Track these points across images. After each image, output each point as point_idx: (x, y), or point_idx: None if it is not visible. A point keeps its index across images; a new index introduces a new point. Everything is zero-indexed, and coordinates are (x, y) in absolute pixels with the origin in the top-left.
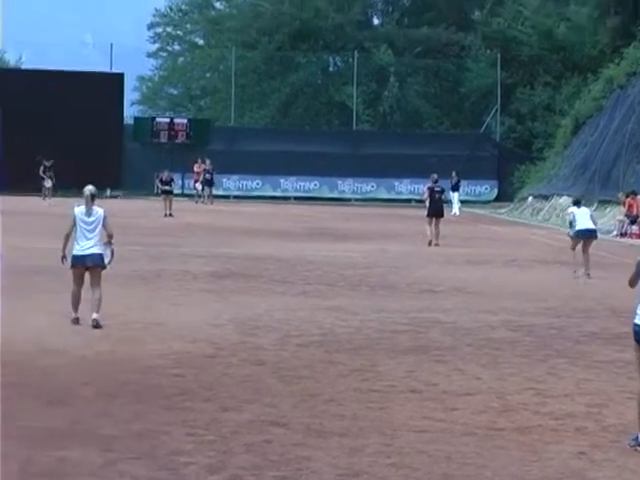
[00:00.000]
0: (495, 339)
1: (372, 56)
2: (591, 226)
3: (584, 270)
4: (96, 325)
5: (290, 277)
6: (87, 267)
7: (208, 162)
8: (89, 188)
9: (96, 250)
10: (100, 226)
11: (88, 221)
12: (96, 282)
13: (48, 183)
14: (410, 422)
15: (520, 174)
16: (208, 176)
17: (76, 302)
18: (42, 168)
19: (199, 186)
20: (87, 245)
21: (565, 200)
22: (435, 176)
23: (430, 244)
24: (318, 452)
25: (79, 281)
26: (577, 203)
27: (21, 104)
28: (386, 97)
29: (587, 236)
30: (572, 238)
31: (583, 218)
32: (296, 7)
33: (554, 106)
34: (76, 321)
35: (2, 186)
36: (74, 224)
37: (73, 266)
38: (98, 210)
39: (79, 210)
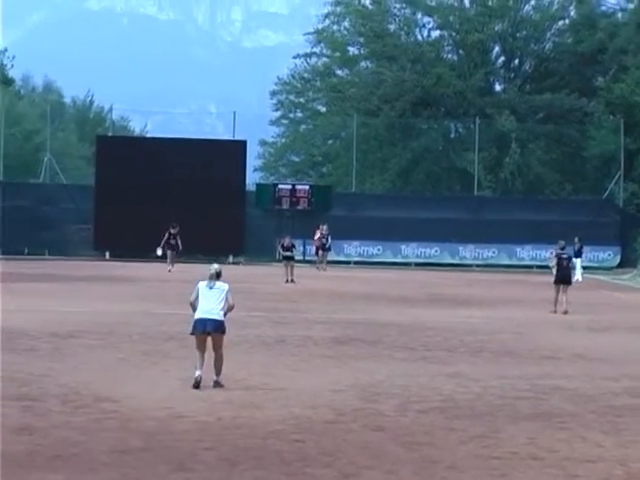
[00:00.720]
0: (617, 406)
1: (494, 122)
2: None
3: None
4: (217, 385)
5: (410, 343)
6: (208, 332)
7: (325, 227)
8: (215, 267)
9: (217, 317)
10: (223, 298)
11: (210, 293)
12: (218, 347)
13: (172, 250)
14: None
15: None
16: (324, 240)
17: (200, 364)
18: (167, 235)
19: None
20: (208, 311)
21: None
22: (562, 242)
23: (555, 312)
24: None
25: (201, 347)
26: None
27: (144, 171)
28: (507, 163)
29: None
30: None
31: None
32: (418, 74)
33: None
34: (198, 381)
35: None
36: (197, 296)
37: (193, 333)
38: (223, 285)
39: (203, 284)
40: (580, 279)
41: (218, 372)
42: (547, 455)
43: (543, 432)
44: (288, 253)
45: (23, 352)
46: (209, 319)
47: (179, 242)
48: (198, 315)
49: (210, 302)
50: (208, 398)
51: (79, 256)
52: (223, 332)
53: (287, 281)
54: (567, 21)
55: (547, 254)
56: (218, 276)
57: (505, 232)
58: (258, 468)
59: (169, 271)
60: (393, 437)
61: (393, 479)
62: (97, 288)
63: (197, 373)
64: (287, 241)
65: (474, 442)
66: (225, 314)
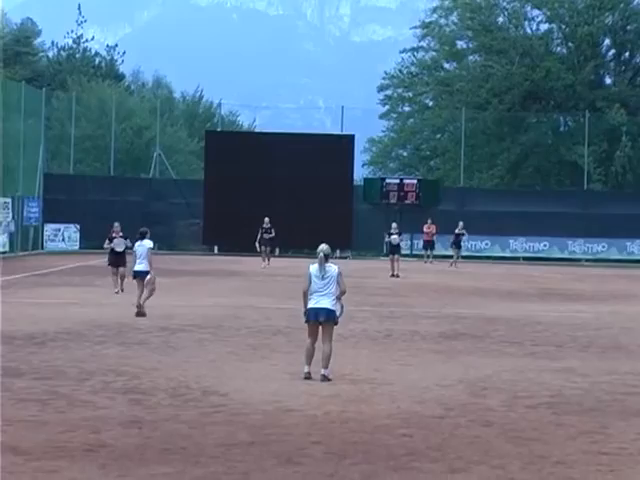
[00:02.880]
0: None
1: (604, 116)
2: None
3: None
4: (324, 379)
5: (518, 338)
6: (320, 322)
7: (461, 224)
8: (323, 249)
9: (329, 306)
10: (334, 283)
11: (322, 279)
12: (327, 337)
13: (266, 246)
14: None
15: None
16: (461, 237)
17: (309, 356)
18: (260, 230)
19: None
20: (320, 301)
21: None
22: None
23: None
24: None
25: (313, 335)
26: None
27: (253, 166)
28: (618, 157)
29: None
30: None
31: None
32: (527, 68)
33: None
34: (308, 375)
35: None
36: (309, 281)
37: (307, 321)
38: (332, 268)
39: (313, 268)
40: None
41: (326, 365)
42: None
43: None
44: (394, 237)
45: (133, 345)
46: (322, 308)
47: (273, 234)
48: (311, 305)
49: (322, 292)
50: (316, 392)
51: (188, 251)
52: (335, 322)
53: (392, 275)
54: None
55: None
56: (326, 258)
57: (615, 226)
58: (366, 462)
59: (264, 267)
60: (501, 432)
61: (501, 474)
62: (206, 282)
63: (306, 369)
64: (393, 227)
65: (582, 438)
66: (338, 298)
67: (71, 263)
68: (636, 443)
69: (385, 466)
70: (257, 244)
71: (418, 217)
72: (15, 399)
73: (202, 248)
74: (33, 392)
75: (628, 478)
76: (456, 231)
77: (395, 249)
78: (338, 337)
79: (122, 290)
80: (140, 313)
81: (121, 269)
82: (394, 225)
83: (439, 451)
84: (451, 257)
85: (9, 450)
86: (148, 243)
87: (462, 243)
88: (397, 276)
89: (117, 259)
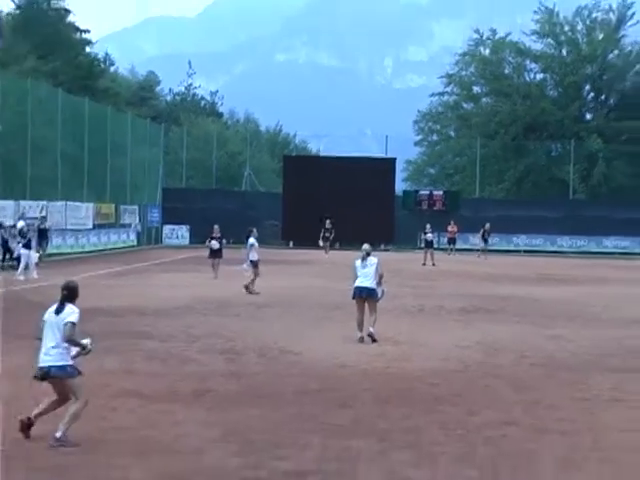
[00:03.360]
0: None
1: (585, 143)
2: None
3: None
4: (371, 336)
5: (522, 311)
6: (364, 298)
7: (487, 225)
8: (365, 247)
9: (369, 284)
10: (374, 272)
11: (363, 268)
12: (372, 309)
13: (326, 241)
14: (616, 424)
15: None
16: (486, 236)
17: (360, 324)
18: (323, 230)
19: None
20: (363, 281)
21: None
22: None
23: None
24: (542, 445)
25: (361, 309)
26: None
27: (319, 182)
28: (596, 174)
29: None
30: None
31: None
32: (527, 107)
33: None
34: (361, 339)
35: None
36: (355, 271)
37: (354, 297)
38: (373, 259)
39: (357, 262)
40: None
41: (372, 325)
42: (629, 398)
43: (627, 381)
44: (429, 235)
45: (229, 316)
46: (364, 287)
47: (333, 233)
48: (356, 284)
49: (364, 274)
50: (365, 352)
51: (270, 245)
52: (376, 298)
53: (424, 264)
54: None
55: None
56: (368, 254)
57: (594, 226)
58: (404, 406)
59: (327, 256)
60: (507, 383)
61: (507, 416)
62: (285, 269)
63: (359, 335)
64: (427, 227)
65: (569, 387)
66: (378, 283)
67: (183, 254)
68: (610, 392)
69: (419, 409)
70: (320, 240)
71: (443, 220)
72: (143, 357)
73: (280, 243)
74: (156, 352)
75: (604, 418)
76: (484, 229)
77: (429, 244)
78: (382, 310)
79: (216, 277)
80: (250, 292)
81: (217, 260)
82: (428, 226)
83: (459, 397)
84: (471, 250)
85: (135, 395)
86: (251, 240)
87: (488, 239)
88: (433, 264)
89: (215, 253)
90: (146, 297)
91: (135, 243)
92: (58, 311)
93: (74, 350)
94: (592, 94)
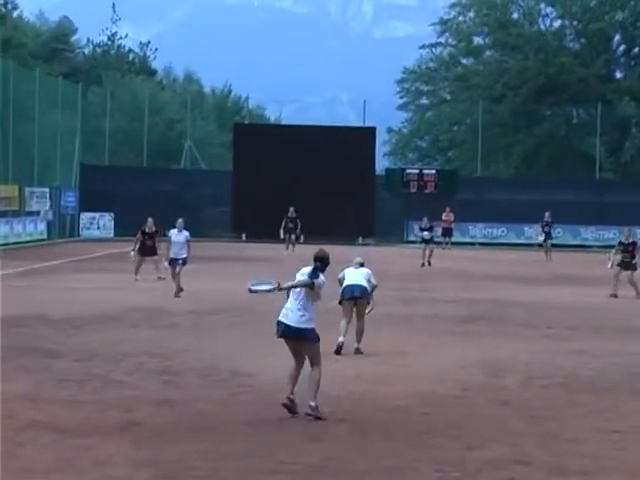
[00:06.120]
0: None
1: (615, 108)
2: None
3: None
4: (357, 352)
5: (533, 321)
6: (355, 299)
7: (548, 214)
8: (358, 260)
9: (363, 284)
10: (367, 278)
11: (356, 270)
12: (361, 316)
13: (290, 234)
14: None
15: None
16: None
17: (344, 330)
18: (285, 221)
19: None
20: (355, 280)
21: None
22: None
23: None
24: None
25: (348, 314)
26: None
27: (279, 157)
28: (628, 147)
29: None
30: None
31: None
32: (541, 62)
33: None
34: (339, 350)
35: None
36: (344, 276)
37: (342, 300)
38: (367, 270)
39: (349, 269)
40: None
41: (359, 340)
42: None
43: None
44: (426, 233)
45: (165, 328)
46: (357, 285)
47: (299, 225)
48: (347, 283)
49: (357, 276)
50: (339, 372)
51: (217, 238)
52: (368, 301)
53: (423, 264)
54: None
55: None
56: (361, 265)
57: (626, 214)
58: (387, 440)
59: (287, 254)
60: (517, 411)
61: (517, 451)
62: (235, 268)
63: (340, 339)
64: (425, 222)
65: (595, 416)
66: (371, 292)
67: (106, 250)
68: None
69: (405, 443)
70: (282, 231)
71: (437, 206)
72: (55, 379)
73: (231, 235)
74: (71, 373)
75: (637, 455)
76: (544, 220)
77: (428, 241)
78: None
79: (161, 277)
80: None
81: (155, 257)
82: (425, 220)
83: (457, 429)
84: (470, 244)
85: (49, 428)
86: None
87: (552, 232)
88: (429, 263)
89: (147, 250)
90: (58, 304)
91: (45, 236)
92: None
93: None
94: (623, 46)
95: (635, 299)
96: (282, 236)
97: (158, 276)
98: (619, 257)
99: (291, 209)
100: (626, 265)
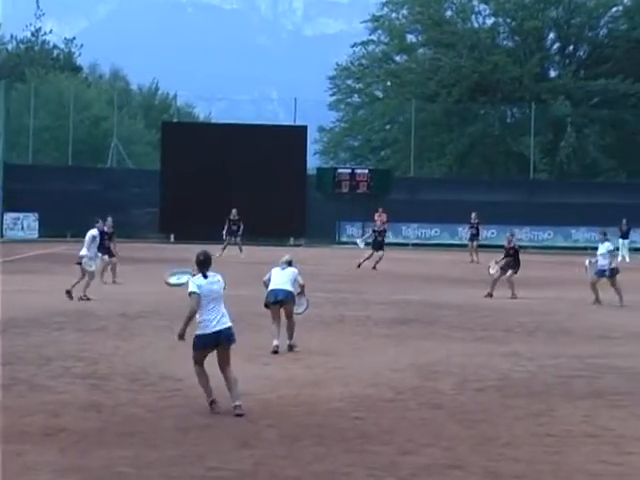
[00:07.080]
0: None
1: (549, 107)
2: None
3: None
4: (290, 349)
5: (467, 323)
6: (280, 303)
7: (474, 215)
8: (286, 258)
9: (286, 287)
10: (292, 278)
11: (283, 271)
12: (289, 316)
13: (231, 236)
14: (586, 466)
15: None
16: (474, 231)
17: (276, 334)
18: (228, 223)
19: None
20: (279, 284)
21: None
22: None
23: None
24: None
25: (277, 317)
26: None
27: (209, 156)
28: (563, 147)
29: None
30: None
31: None
32: (474, 61)
33: None
34: (276, 348)
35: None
36: (269, 277)
37: (268, 304)
38: (293, 269)
39: (275, 270)
40: (628, 259)
41: (291, 336)
42: (601, 433)
43: (598, 410)
44: (366, 236)
45: (92, 332)
46: (280, 289)
47: (241, 227)
48: (271, 287)
49: (281, 278)
50: (270, 376)
51: (145, 239)
52: (293, 302)
53: (374, 267)
54: (621, 8)
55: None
56: (289, 264)
57: (560, 215)
58: (319, 445)
59: (218, 256)
60: (451, 415)
61: (451, 456)
62: (162, 270)
63: (275, 342)
64: (377, 225)
65: (530, 420)
66: (300, 293)
67: (30, 251)
68: (581, 425)
69: (338, 448)
70: (224, 234)
71: (370, 206)
72: None
73: (158, 236)
74: None
75: (573, 459)
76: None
77: (378, 246)
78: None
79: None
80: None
81: (113, 259)
82: (378, 223)
83: (390, 434)
84: (404, 245)
85: None
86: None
87: (479, 233)
88: (375, 268)
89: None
90: None
91: None
92: None
93: None
94: (557, 44)
95: (510, 298)
96: (224, 238)
97: (113, 280)
98: (503, 262)
99: (233, 211)
100: (506, 268)
